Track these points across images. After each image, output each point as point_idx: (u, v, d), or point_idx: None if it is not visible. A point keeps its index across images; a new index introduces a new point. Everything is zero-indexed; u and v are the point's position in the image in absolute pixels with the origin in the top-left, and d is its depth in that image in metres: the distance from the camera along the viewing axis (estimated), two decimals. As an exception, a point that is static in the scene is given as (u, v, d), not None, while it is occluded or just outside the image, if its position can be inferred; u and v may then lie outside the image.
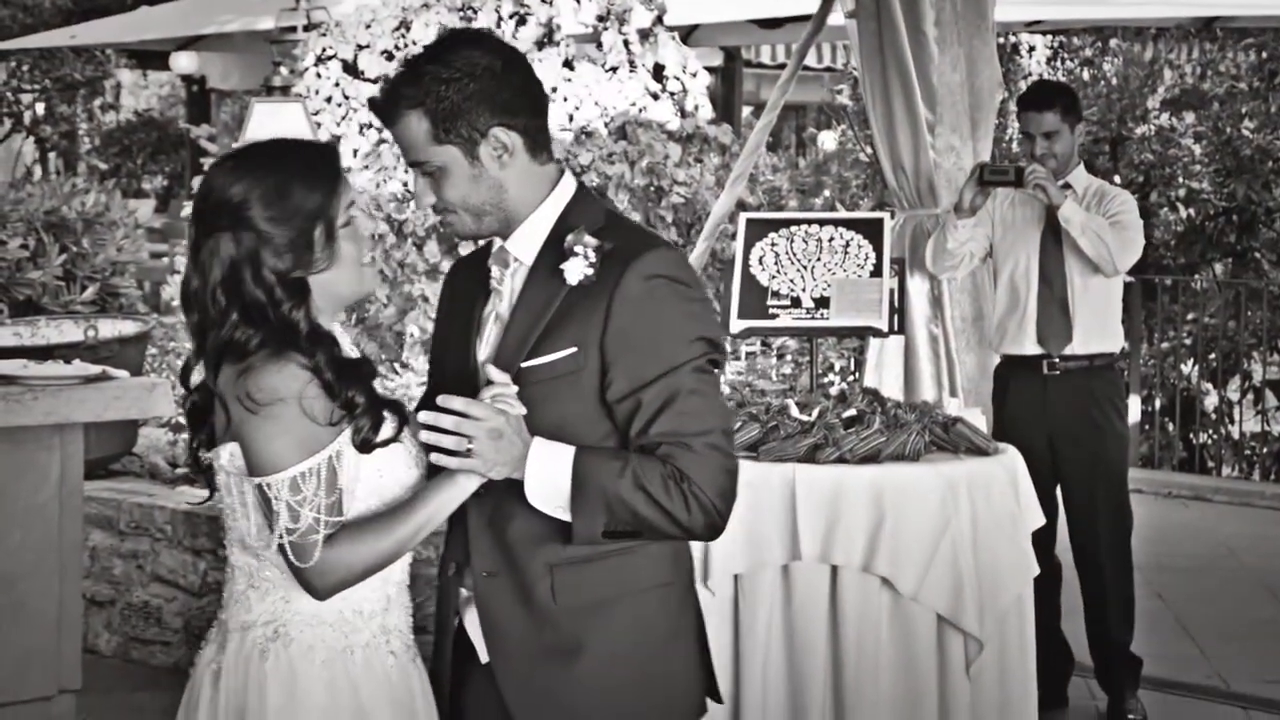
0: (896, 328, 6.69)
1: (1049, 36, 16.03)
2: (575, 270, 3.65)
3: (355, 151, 10.62)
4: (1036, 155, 7.29)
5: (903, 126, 7.56)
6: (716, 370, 3.76)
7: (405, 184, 10.21)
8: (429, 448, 3.60)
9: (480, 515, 3.73)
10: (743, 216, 6.72)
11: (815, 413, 5.79)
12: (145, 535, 8.03)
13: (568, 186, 3.80)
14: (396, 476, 3.68)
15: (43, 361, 6.57)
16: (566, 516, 3.61)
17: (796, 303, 6.44)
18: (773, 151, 17.40)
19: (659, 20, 11.16)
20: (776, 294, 6.46)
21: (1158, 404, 14.00)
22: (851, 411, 5.83)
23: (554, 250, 3.70)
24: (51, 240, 10.78)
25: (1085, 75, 15.69)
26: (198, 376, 3.73)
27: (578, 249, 3.66)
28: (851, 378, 6.61)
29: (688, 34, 13.73)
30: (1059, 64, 15.98)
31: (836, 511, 5.46)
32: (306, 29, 13.16)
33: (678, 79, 11.09)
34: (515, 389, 3.60)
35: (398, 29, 10.86)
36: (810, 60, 9.74)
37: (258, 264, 3.61)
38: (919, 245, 7.53)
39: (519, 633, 3.73)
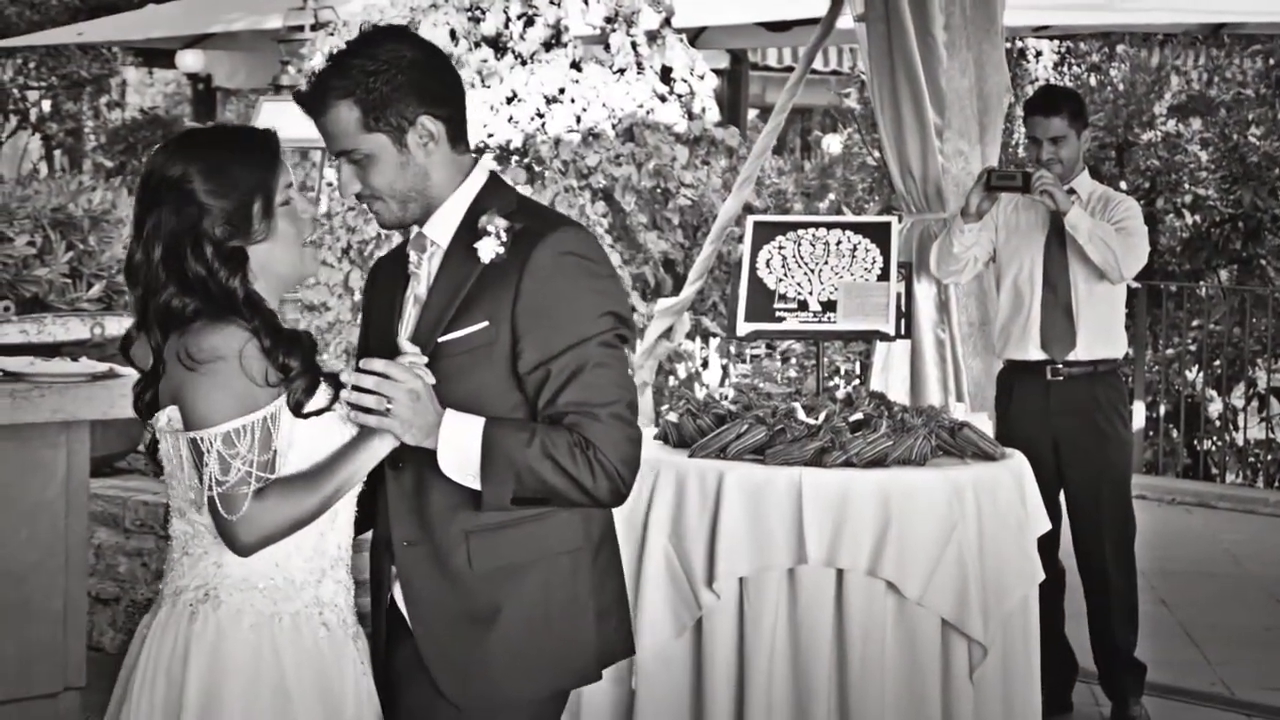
0: (903, 332, 6.69)
1: (1056, 42, 16.02)
2: (488, 249, 3.84)
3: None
4: (1043, 160, 7.28)
5: (911, 131, 7.56)
6: (624, 346, 3.92)
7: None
8: (352, 407, 3.73)
9: (399, 487, 3.89)
10: (750, 219, 6.72)
11: (822, 416, 5.79)
12: (150, 533, 8.03)
13: (481, 173, 3.98)
14: (330, 445, 3.78)
15: (49, 359, 6.59)
16: (477, 485, 3.76)
17: (803, 306, 6.44)
18: (778, 155, 17.38)
19: (667, 22, 11.17)
20: (783, 297, 6.46)
21: (1162, 410, 14.00)
22: (858, 415, 5.83)
23: (468, 232, 3.89)
24: (58, 237, 10.78)
25: (1092, 81, 15.69)
26: (140, 355, 3.85)
27: (490, 228, 3.84)
28: (858, 381, 6.60)
29: (695, 36, 13.72)
30: (1066, 69, 15.97)
31: (843, 515, 5.46)
32: (314, 28, 13.20)
33: (685, 81, 11.09)
34: (425, 359, 3.77)
35: (405, 29, 10.86)
36: (817, 64, 9.71)
37: (199, 236, 3.75)
38: (926, 249, 7.53)
39: (438, 599, 3.87)
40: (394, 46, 3.88)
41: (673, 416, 6.05)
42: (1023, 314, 7.30)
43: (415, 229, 3.97)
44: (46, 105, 24.64)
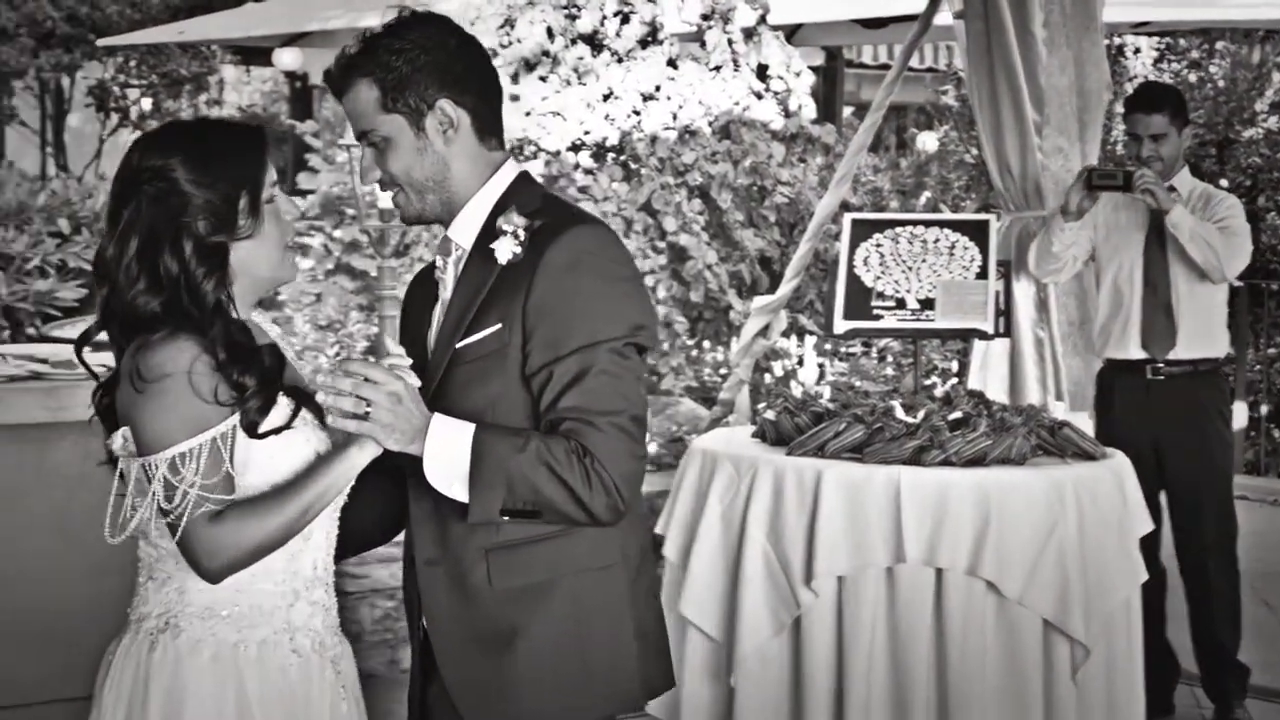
0: (1002, 330, 6.65)
1: (1155, 38, 15.91)
2: (505, 249, 3.66)
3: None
4: (1143, 157, 7.23)
5: (1010, 128, 7.51)
6: (640, 355, 3.72)
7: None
8: (329, 411, 3.52)
9: (422, 505, 3.72)
10: (847, 217, 6.70)
11: (920, 415, 5.77)
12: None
13: (509, 171, 3.81)
14: (290, 465, 3.58)
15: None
16: (464, 496, 3.56)
17: (901, 304, 6.41)
18: (874, 152, 17.33)
19: (763, 19, 11.16)
20: (881, 295, 6.44)
21: (1264, 410, 13.87)
22: (957, 414, 5.81)
23: (490, 233, 3.71)
24: (158, 234, 10.87)
25: (1192, 78, 15.56)
26: (93, 356, 3.69)
27: (507, 228, 3.67)
28: (956, 380, 6.57)
29: (791, 33, 13.69)
30: (1165, 66, 15.85)
31: (942, 514, 5.43)
32: (411, 26, 13.22)
33: (781, 78, 11.08)
34: (410, 361, 3.57)
35: (502, 26, 10.89)
36: (913, 61, 9.66)
37: (179, 230, 3.54)
38: (1025, 247, 7.49)
39: (458, 620, 3.71)
40: (425, 30, 3.74)
41: (770, 414, 6.04)
42: (1123, 313, 7.25)
43: (443, 232, 3.84)
44: (147, 103, 24.85)
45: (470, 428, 3.56)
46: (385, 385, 3.48)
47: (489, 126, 3.78)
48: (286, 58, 20.39)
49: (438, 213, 3.78)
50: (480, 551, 3.67)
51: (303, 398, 3.61)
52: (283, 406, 3.57)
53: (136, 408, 3.47)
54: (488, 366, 3.65)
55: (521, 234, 3.65)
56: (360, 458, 3.53)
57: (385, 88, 3.69)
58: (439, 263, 3.83)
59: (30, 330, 9.97)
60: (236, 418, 3.50)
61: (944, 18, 7.98)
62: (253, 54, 25.00)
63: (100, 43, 21.40)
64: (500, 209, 3.73)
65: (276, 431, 3.55)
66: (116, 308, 3.55)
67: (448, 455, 3.56)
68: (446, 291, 3.79)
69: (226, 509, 3.46)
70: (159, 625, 3.57)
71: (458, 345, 3.66)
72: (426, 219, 3.81)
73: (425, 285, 3.92)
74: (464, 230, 3.77)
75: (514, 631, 3.68)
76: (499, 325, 3.63)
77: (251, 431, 3.52)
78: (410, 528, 3.78)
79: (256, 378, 3.52)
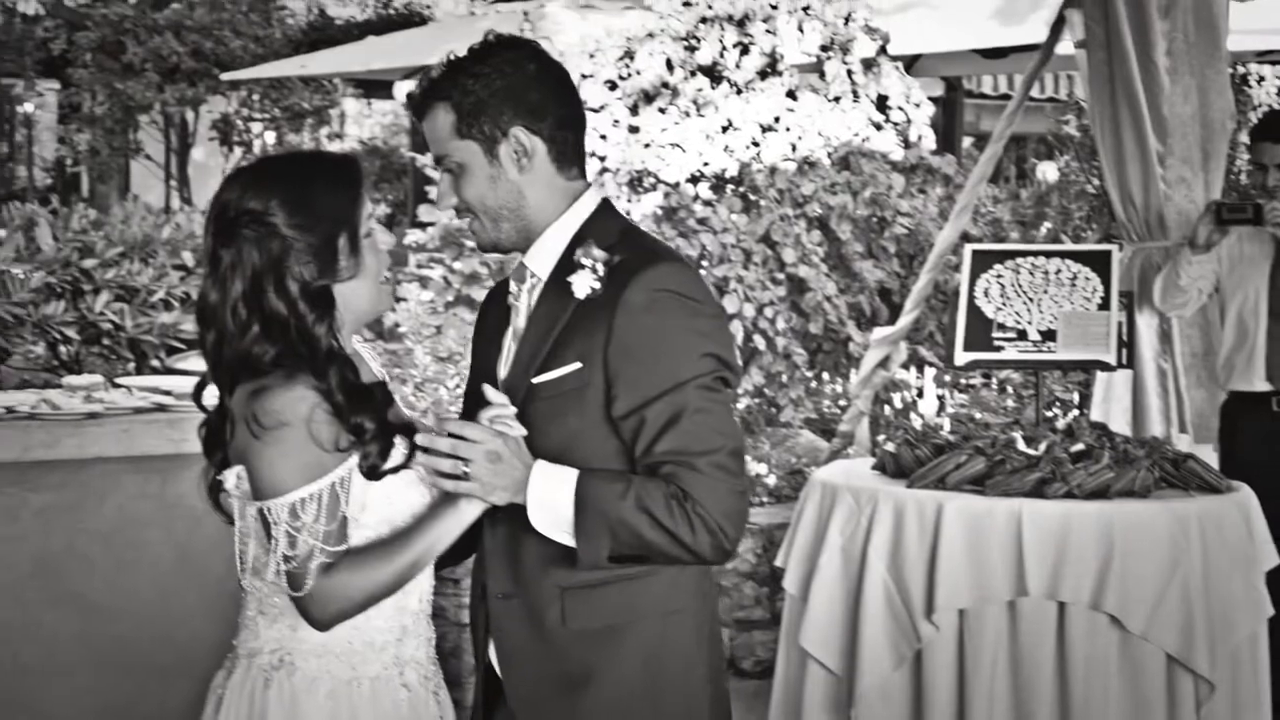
0: (1125, 362, 6.60)
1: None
2: (582, 283, 3.60)
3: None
4: (1269, 187, 7.16)
5: (1132, 158, 7.45)
6: (727, 389, 3.65)
7: (627, 212, 10.25)
8: (428, 471, 3.53)
9: (495, 537, 3.68)
10: (968, 248, 6.67)
11: (1042, 447, 5.73)
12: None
13: (590, 200, 3.74)
14: (409, 504, 3.60)
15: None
16: (571, 541, 3.53)
17: (1023, 335, 6.37)
18: (993, 183, 17.25)
19: (882, 50, 11.14)
20: (1002, 326, 6.40)
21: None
22: (1079, 446, 5.76)
23: (568, 265, 3.64)
24: (280, 266, 10.95)
25: (1317, 106, 15.40)
26: (211, 398, 3.66)
27: (585, 261, 3.60)
28: (1078, 412, 6.53)
29: (910, 64, 13.67)
30: (1290, 94, 15.71)
31: (1064, 547, 5.39)
32: (531, 59, 13.28)
33: (901, 109, 11.05)
34: (514, 410, 3.54)
35: (621, 58, 10.92)
36: (1033, 90, 9.61)
37: (281, 273, 3.53)
38: (1148, 278, 7.42)
39: (531, 657, 3.68)
40: (505, 55, 3.69)
41: (890, 446, 6.01)
42: (1248, 345, 7.18)
43: (518, 258, 3.77)
44: (270, 137, 25.11)
45: (572, 477, 3.54)
46: (483, 444, 3.48)
47: (568, 155, 3.72)
48: (407, 90, 20.51)
49: (513, 241, 3.73)
50: (556, 590, 3.63)
51: (413, 437, 3.60)
52: (399, 447, 3.58)
53: (254, 452, 3.48)
54: (566, 404, 3.60)
55: (600, 268, 3.60)
56: (470, 512, 3.54)
57: (460, 113, 3.65)
58: (513, 289, 3.78)
59: (154, 362, 10.08)
60: (354, 459, 3.52)
61: (1065, 47, 7.93)
62: (374, 87, 25.20)
63: (224, 77, 21.65)
64: (580, 239, 3.67)
65: (394, 471, 3.57)
66: (227, 352, 3.55)
67: (551, 505, 3.53)
68: (520, 320, 3.74)
69: (339, 560, 3.48)
70: (273, 661, 3.60)
71: (534, 380, 3.61)
72: (502, 247, 3.75)
73: (499, 307, 3.85)
74: (541, 259, 3.71)
75: (588, 673, 3.64)
76: (578, 365, 3.58)
77: (371, 475, 3.54)
78: (484, 558, 3.75)
79: (374, 420, 3.53)
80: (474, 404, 3.74)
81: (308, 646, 3.58)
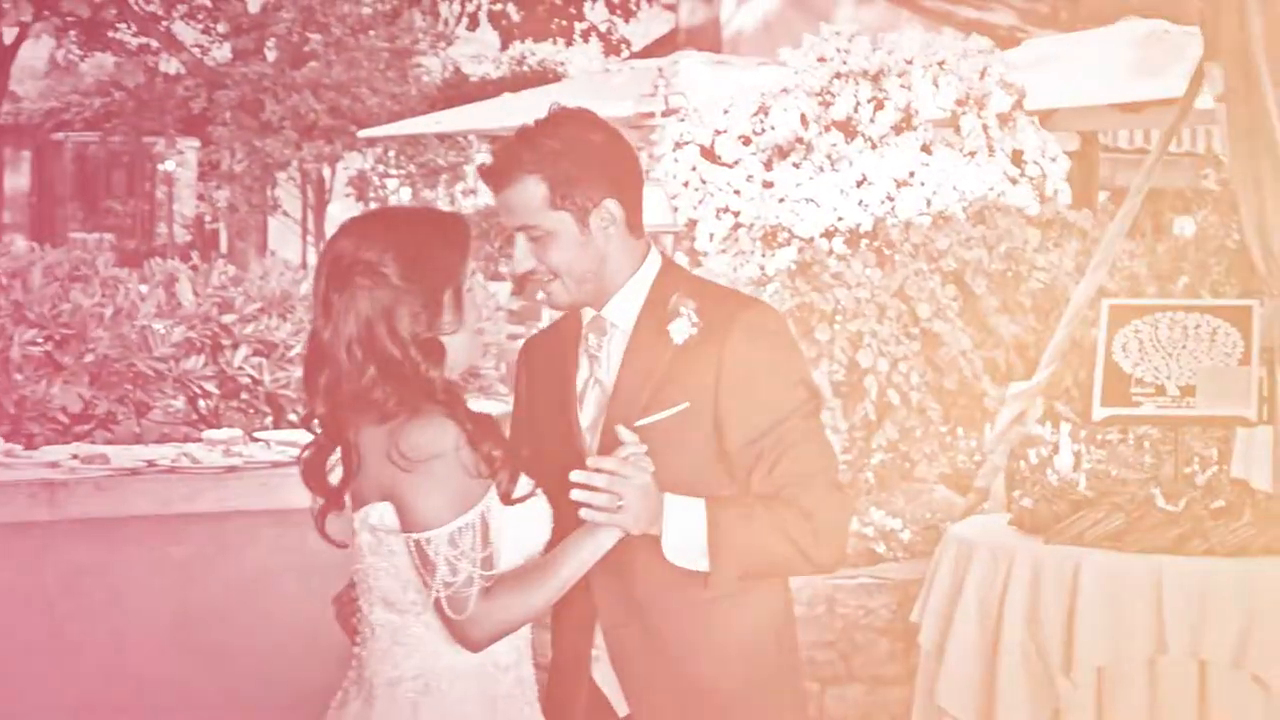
0: (1266, 417, 6.52)
1: None
2: (681, 330, 3.86)
3: (711, 235, 10.69)
4: None
5: (1274, 212, 7.37)
6: (819, 412, 3.96)
7: (761, 267, 10.25)
8: (576, 505, 3.69)
9: (603, 570, 3.82)
10: (1105, 302, 6.63)
11: (1182, 503, 5.68)
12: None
13: (656, 256, 4.02)
14: (536, 530, 3.77)
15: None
16: (701, 566, 3.79)
17: (1161, 390, 6.33)
18: (1129, 237, 17.11)
19: (1018, 104, 11.07)
20: (1140, 381, 6.36)
21: None
22: (1220, 502, 5.70)
23: (653, 314, 3.91)
24: (415, 321, 11.02)
25: None
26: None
27: (682, 310, 3.86)
28: (1217, 468, 6.47)
29: (1046, 118, 13.59)
30: None
31: (1205, 605, 5.34)
32: (664, 114, 13.34)
33: (1037, 163, 10.98)
34: (645, 448, 3.72)
35: (755, 114, 10.92)
36: (1170, 144, 9.55)
37: (392, 321, 3.67)
38: (1289, 333, 7.33)
39: (656, 679, 3.88)
40: (581, 129, 3.93)
41: (1027, 502, 5.98)
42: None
43: (590, 312, 3.98)
44: (405, 193, 25.32)
45: (700, 505, 3.79)
46: (635, 479, 3.68)
47: (635, 218, 3.97)
48: (481, 163, 20.61)
49: (589, 300, 3.96)
50: (674, 611, 3.88)
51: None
52: (523, 475, 3.76)
53: (406, 486, 3.62)
54: (669, 442, 3.83)
55: (695, 315, 3.86)
56: (609, 540, 3.72)
57: (554, 185, 3.86)
58: (592, 341, 3.98)
59: (292, 416, 10.16)
60: (492, 491, 3.67)
61: (1204, 100, 7.87)
62: (508, 143, 25.33)
63: (361, 134, 21.85)
64: (659, 291, 3.94)
65: (524, 498, 3.74)
66: (345, 391, 3.69)
67: (685, 533, 3.78)
68: (603, 369, 3.96)
69: (495, 584, 3.64)
70: (418, 688, 3.74)
71: (638, 424, 3.80)
72: (578, 305, 3.98)
73: (550, 358, 4.08)
74: (621, 311, 3.96)
75: (714, 687, 3.89)
76: (685, 405, 3.83)
77: (506, 500, 3.70)
78: (582, 591, 3.85)
79: (501, 449, 3.69)
80: (538, 444, 3.95)
81: (453, 671, 3.72)
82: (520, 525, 3.73)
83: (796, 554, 3.83)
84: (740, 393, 3.85)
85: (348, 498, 3.79)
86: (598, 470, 3.66)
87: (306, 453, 3.83)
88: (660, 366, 3.87)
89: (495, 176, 3.93)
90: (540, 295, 4.01)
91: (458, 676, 3.73)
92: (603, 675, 3.95)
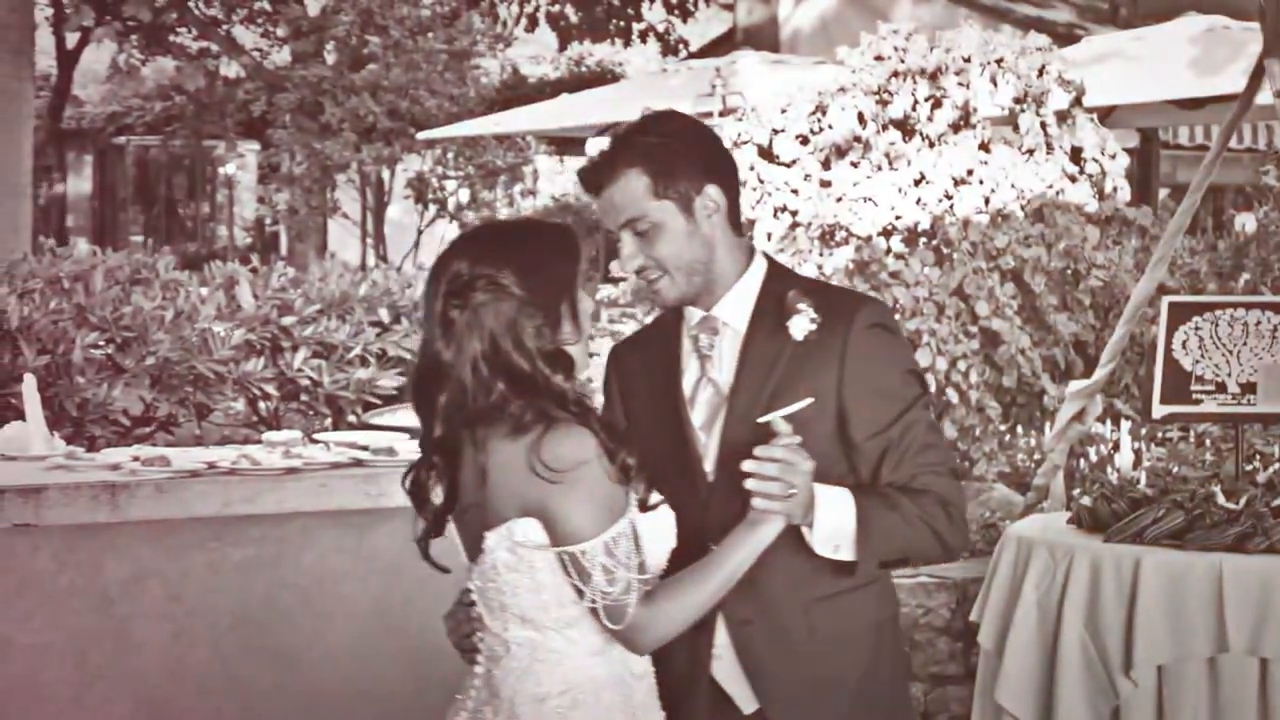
0: (1327, 414, 6.49)
1: None
2: (800, 326, 3.89)
3: (769, 235, 10.70)
4: None
5: (1334, 207, 7.34)
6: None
7: (819, 266, 10.25)
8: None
9: None
10: (1165, 300, 6.61)
11: (1243, 501, 5.65)
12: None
13: (761, 258, 4.04)
14: (666, 536, 3.75)
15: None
16: (845, 556, 3.84)
17: (1222, 388, 6.30)
18: (1190, 234, 17.04)
19: (1077, 102, 11.04)
20: (1201, 379, 6.34)
21: None
22: (1281, 500, 5.68)
23: (768, 312, 3.94)
24: (475, 323, 11.04)
25: None
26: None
27: (800, 306, 3.87)
28: (1278, 465, 6.43)
29: (1105, 115, 13.54)
30: None
31: (1266, 603, 5.31)
32: (722, 114, 13.34)
33: (1096, 161, 10.94)
34: (799, 438, 3.73)
35: (813, 113, 10.92)
36: (1230, 141, 9.47)
37: (519, 335, 3.64)
38: (1350, 329, 7.29)
39: (784, 673, 3.91)
40: (680, 121, 4.00)
41: (1086, 500, 5.96)
42: None
43: (696, 313, 4.00)
44: (464, 194, 25.37)
45: (848, 495, 3.83)
46: (802, 466, 3.72)
47: (736, 212, 4.00)
48: (599, 147, 20.61)
49: (698, 294, 3.97)
50: (801, 606, 3.92)
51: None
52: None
53: (555, 498, 3.58)
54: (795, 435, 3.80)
55: (813, 311, 3.87)
56: (770, 532, 3.75)
57: (655, 174, 3.88)
58: (703, 340, 3.99)
59: (351, 418, 10.19)
60: (633, 498, 3.68)
61: (1264, 97, 7.83)
62: (566, 144, 25.43)
63: (420, 136, 21.90)
64: (769, 289, 3.97)
65: (655, 506, 3.74)
66: (471, 410, 3.64)
67: (835, 522, 3.81)
68: (716, 368, 3.98)
69: (656, 588, 3.66)
70: (566, 703, 3.71)
71: (760, 420, 3.81)
72: (686, 301, 3.99)
73: (648, 359, 4.10)
74: (734, 310, 3.99)
75: (840, 676, 3.94)
76: (811, 400, 3.84)
77: (643, 507, 3.70)
78: None
79: (634, 456, 3.68)
80: (645, 445, 3.87)
81: (596, 683, 3.71)
82: (653, 532, 3.72)
83: (935, 541, 3.91)
84: (864, 386, 3.90)
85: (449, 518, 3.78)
86: (769, 459, 3.68)
87: (411, 476, 3.79)
88: (780, 363, 3.91)
89: (595, 177, 3.95)
90: (647, 291, 4.01)
91: (602, 688, 3.71)
92: (725, 673, 3.96)
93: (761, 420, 3.80)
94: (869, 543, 3.82)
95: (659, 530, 3.73)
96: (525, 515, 3.62)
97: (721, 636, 3.94)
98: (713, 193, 3.91)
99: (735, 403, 3.92)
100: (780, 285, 3.97)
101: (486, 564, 3.69)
